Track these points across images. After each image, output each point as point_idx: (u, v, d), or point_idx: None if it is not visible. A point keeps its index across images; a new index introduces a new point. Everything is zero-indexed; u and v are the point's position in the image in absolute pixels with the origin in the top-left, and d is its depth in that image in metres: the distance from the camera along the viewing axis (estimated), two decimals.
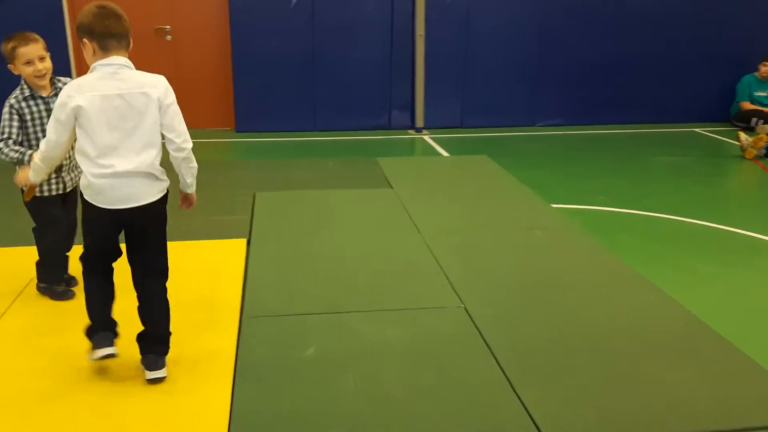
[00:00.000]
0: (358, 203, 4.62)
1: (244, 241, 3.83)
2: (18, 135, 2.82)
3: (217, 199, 4.60)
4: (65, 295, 3.06)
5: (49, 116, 2.58)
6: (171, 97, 2.27)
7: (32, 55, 2.79)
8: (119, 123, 2.19)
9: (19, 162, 2.77)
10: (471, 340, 2.75)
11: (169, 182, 2.37)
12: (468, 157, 6.24)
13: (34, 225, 3.04)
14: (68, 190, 3.02)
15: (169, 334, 2.45)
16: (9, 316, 2.91)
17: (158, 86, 2.25)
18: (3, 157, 2.79)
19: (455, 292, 3.20)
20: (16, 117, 2.81)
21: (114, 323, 2.44)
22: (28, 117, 2.84)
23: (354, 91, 7.40)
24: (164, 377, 2.39)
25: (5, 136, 2.79)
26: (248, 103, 7.19)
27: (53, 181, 2.93)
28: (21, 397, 2.33)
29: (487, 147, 6.59)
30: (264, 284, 3.26)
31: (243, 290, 3.19)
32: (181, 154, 2.33)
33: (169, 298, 2.43)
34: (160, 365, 2.39)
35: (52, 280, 3.08)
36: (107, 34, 2.18)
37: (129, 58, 2.27)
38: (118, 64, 2.21)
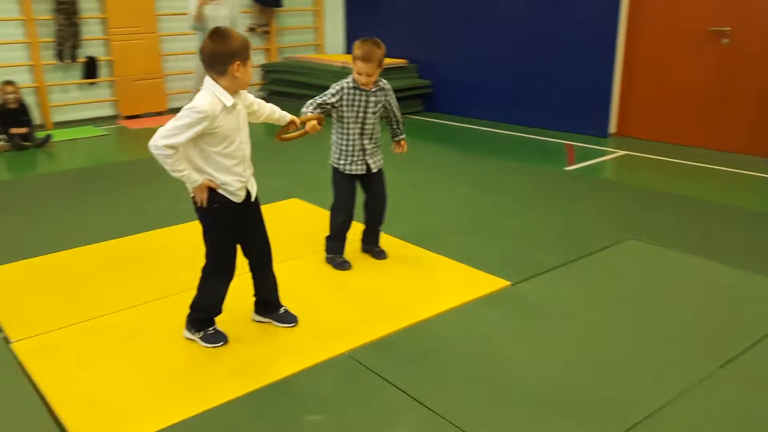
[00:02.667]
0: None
1: None
2: (332, 106, 3.33)
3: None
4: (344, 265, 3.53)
5: (367, 106, 3.35)
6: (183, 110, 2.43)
7: (363, 71, 3.28)
8: None
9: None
10: None
11: (191, 180, 2.51)
12: None
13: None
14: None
15: (193, 309, 2.76)
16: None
17: None
18: (311, 105, 3.29)
19: None
20: (339, 96, 3.33)
21: None
22: (350, 104, 3.34)
23: None
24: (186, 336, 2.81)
25: (318, 100, 3.32)
26: None
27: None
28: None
29: None
30: None
31: None
32: None
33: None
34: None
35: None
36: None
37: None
38: None
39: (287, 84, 8.73)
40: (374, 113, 3.43)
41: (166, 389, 2.47)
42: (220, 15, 6.41)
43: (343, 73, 7.87)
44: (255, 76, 9.21)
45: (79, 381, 2.53)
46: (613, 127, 6.80)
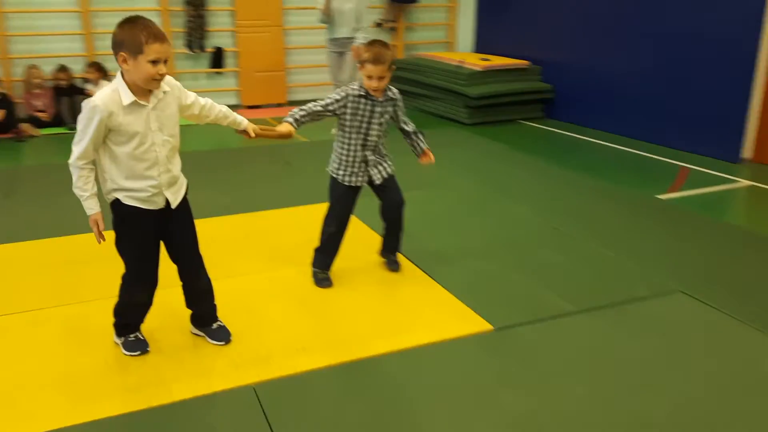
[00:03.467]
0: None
1: None
2: (333, 113, 3.06)
3: None
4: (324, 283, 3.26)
5: (371, 116, 3.05)
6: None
7: (374, 74, 2.97)
8: None
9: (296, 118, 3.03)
10: None
11: (87, 207, 2.41)
12: None
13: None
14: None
15: (114, 314, 2.65)
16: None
17: None
18: (304, 110, 3.03)
19: None
20: (343, 103, 3.04)
21: None
22: (354, 112, 3.05)
23: None
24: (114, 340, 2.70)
25: (323, 103, 3.05)
26: None
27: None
28: None
29: None
30: None
31: None
32: None
33: None
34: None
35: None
36: None
37: None
38: None
39: (405, 82, 8.48)
40: (379, 124, 3.13)
41: (61, 394, 2.38)
42: (346, 8, 6.38)
43: (456, 72, 7.49)
44: None
45: None
46: (747, 152, 5.72)
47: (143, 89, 2.29)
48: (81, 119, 2.27)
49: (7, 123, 6.71)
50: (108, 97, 2.25)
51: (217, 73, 8.29)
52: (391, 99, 3.13)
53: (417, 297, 3.14)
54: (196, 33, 7.92)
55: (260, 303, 3.07)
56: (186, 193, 2.56)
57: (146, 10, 7.75)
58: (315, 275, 3.30)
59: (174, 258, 2.60)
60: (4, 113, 6.66)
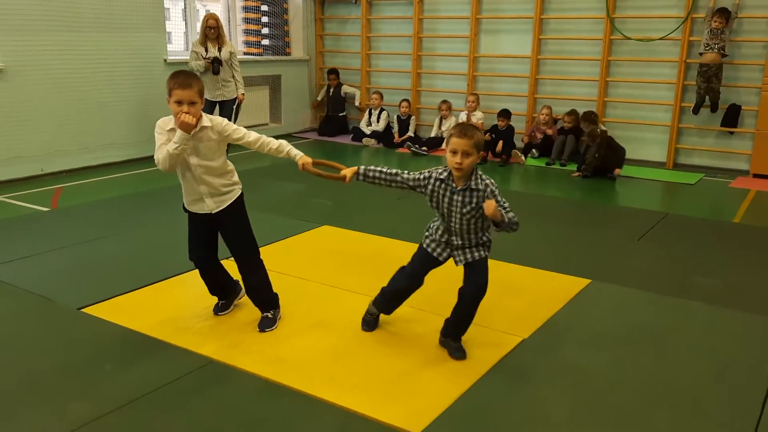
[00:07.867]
0: None
1: None
2: (411, 188, 2.94)
3: None
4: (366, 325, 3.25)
5: (451, 204, 2.82)
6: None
7: (458, 148, 2.74)
8: None
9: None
10: None
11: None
12: None
13: None
14: None
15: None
16: None
17: None
18: (383, 171, 2.95)
19: None
20: (425, 183, 2.89)
21: None
22: (432, 197, 2.89)
23: None
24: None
25: (408, 174, 2.94)
26: None
27: None
28: None
29: None
30: None
31: None
32: None
33: None
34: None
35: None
36: None
37: None
38: None
39: None
40: (462, 215, 2.82)
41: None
42: None
43: None
44: None
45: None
46: None
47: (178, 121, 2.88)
48: None
49: (502, 149, 7.91)
50: (165, 121, 2.96)
51: (729, 132, 7.35)
52: (474, 190, 2.78)
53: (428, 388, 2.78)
54: (704, 101, 7.20)
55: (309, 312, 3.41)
56: (237, 205, 3.10)
57: (664, 61, 7.56)
58: (367, 312, 3.25)
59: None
60: (501, 143, 7.88)
